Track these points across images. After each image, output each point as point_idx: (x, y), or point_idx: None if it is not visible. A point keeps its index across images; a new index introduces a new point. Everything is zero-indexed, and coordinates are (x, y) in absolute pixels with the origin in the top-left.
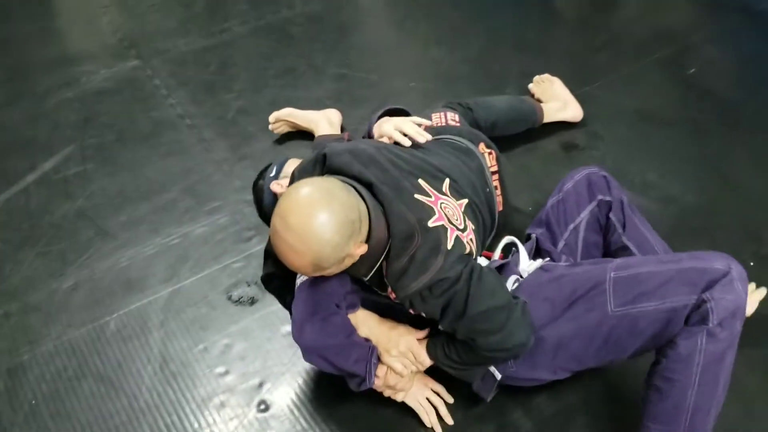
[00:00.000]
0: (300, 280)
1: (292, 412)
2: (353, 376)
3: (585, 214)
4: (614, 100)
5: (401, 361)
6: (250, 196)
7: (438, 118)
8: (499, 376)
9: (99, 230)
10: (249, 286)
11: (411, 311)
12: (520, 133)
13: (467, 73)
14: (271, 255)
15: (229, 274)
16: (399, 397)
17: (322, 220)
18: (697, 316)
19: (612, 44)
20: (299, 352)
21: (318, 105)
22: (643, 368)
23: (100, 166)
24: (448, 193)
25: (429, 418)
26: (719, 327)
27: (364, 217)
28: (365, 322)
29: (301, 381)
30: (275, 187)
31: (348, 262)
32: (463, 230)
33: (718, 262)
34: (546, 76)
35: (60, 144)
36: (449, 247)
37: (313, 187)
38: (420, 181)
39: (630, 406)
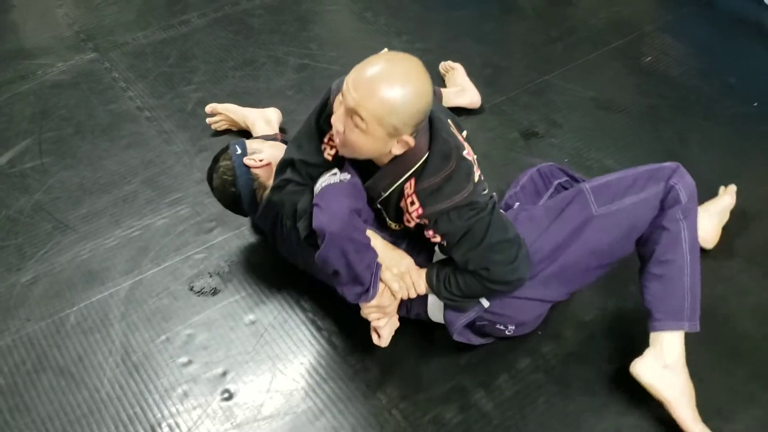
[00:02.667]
0: (326, 181)
1: (255, 399)
2: (356, 284)
3: (544, 199)
4: (572, 88)
5: (399, 282)
6: None
7: None
8: (486, 304)
9: (58, 224)
10: (211, 276)
11: (427, 233)
12: (481, 123)
13: (428, 63)
14: (288, 164)
15: (190, 266)
16: (382, 323)
17: (424, 77)
18: (671, 199)
19: (569, 35)
20: (262, 341)
21: (279, 96)
22: (600, 355)
23: (58, 159)
24: (466, 142)
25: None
26: (689, 203)
27: (422, 120)
28: (372, 239)
29: (264, 368)
30: (249, 162)
31: (390, 148)
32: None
33: (665, 164)
34: (449, 63)
35: (16, 138)
36: (476, 179)
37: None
38: (449, 121)
39: (587, 390)
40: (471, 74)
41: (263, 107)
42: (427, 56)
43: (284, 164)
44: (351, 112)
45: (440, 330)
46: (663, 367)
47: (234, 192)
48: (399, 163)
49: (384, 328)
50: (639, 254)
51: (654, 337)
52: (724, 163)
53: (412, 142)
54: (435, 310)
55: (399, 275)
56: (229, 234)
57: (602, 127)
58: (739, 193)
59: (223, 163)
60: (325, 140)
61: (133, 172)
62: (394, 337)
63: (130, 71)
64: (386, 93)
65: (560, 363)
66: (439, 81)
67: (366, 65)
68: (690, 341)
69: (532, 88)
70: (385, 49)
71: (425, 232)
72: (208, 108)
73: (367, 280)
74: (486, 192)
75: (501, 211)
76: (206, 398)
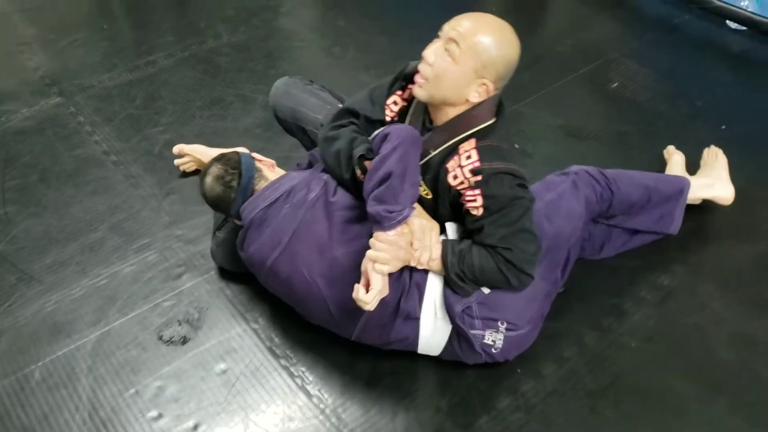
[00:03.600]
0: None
1: None
2: (394, 202)
3: None
4: (541, 117)
5: (421, 234)
6: (179, 231)
7: None
8: (487, 291)
9: (23, 275)
10: (180, 324)
11: (470, 194)
12: None
13: None
14: (351, 113)
15: (159, 314)
16: (385, 269)
17: (517, 40)
18: (583, 178)
19: (536, 63)
20: (234, 390)
21: (247, 135)
22: (580, 390)
23: (22, 207)
24: None
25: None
26: (593, 168)
27: (504, 78)
28: None
29: (237, 420)
30: (257, 155)
31: (469, 92)
32: None
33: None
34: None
35: None
36: None
37: None
38: None
39: (569, 427)
40: None
41: (232, 146)
42: None
43: (345, 112)
44: (449, 41)
45: (419, 372)
46: (714, 187)
47: (234, 174)
48: (461, 121)
49: (377, 280)
50: (630, 224)
51: (696, 191)
52: None
53: (491, 88)
54: (427, 332)
55: (423, 229)
56: (198, 279)
57: (573, 155)
58: (709, 219)
59: (229, 155)
60: (389, 102)
61: (99, 219)
62: (371, 383)
63: (96, 115)
64: (488, 32)
65: (541, 401)
66: None
67: (471, 13)
68: (669, 373)
69: None
70: None
71: (466, 194)
72: (176, 149)
73: (406, 202)
74: None
75: None
76: None
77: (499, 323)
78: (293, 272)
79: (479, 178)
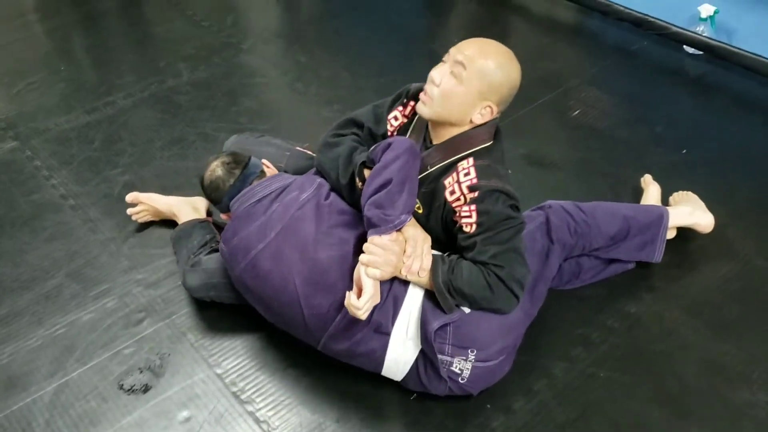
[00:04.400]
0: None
1: None
2: (391, 208)
3: None
4: (504, 147)
5: (414, 243)
6: (139, 276)
7: None
8: (467, 311)
9: None
10: (141, 372)
11: (465, 210)
12: None
13: None
14: (355, 124)
15: (119, 362)
16: (377, 274)
17: (517, 64)
18: (557, 214)
19: None
20: None
21: None
22: (551, 422)
23: None
24: None
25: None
26: (566, 202)
27: (506, 101)
28: None
29: None
30: (265, 161)
31: (473, 113)
32: None
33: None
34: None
35: None
36: None
37: None
38: None
39: None
40: None
41: (193, 186)
42: None
43: (349, 122)
44: (456, 64)
45: (387, 413)
46: (693, 214)
47: (240, 164)
48: (461, 141)
49: (369, 285)
50: (613, 255)
51: (677, 219)
52: None
53: (495, 110)
54: (395, 350)
55: (417, 238)
56: (159, 324)
57: (535, 184)
58: (674, 244)
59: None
60: (389, 116)
61: (56, 266)
62: (339, 427)
63: (52, 158)
64: (493, 56)
65: None
66: None
67: (476, 38)
68: (639, 401)
69: None
70: None
71: (462, 210)
72: (129, 197)
73: (404, 209)
74: None
75: None
76: None
77: (470, 351)
78: (273, 268)
79: (475, 194)
